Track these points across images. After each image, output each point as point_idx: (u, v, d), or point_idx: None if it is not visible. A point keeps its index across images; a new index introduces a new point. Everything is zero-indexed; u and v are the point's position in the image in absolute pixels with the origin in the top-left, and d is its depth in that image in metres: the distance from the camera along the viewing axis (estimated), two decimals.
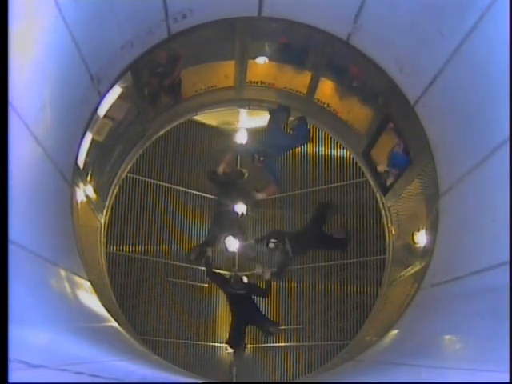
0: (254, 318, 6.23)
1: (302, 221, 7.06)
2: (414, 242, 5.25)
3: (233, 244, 6.90)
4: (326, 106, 6.23)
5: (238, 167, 7.41)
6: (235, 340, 6.22)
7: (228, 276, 6.50)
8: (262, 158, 6.16)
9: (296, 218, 7.18)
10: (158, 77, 5.49)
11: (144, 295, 6.78)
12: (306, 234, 6.54)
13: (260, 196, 6.68)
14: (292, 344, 6.95)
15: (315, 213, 6.72)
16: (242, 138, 7.22)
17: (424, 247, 4.85)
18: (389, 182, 5.87)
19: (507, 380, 1.87)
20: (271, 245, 6.37)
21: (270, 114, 6.36)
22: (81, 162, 4.40)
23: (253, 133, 7.28)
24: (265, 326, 6.15)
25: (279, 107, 6.34)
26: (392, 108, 5.14)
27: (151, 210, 6.96)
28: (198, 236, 7.05)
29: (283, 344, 6.97)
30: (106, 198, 5.93)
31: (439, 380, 2.75)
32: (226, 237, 6.73)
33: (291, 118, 6.42)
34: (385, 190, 6.01)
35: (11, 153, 2.26)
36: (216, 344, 7.02)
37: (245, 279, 6.40)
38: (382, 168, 5.94)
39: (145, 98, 5.56)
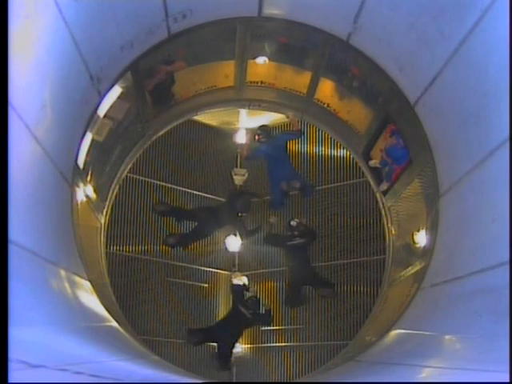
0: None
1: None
2: (414, 242, 5.24)
3: (233, 244, 6.90)
4: (325, 106, 6.23)
5: (238, 167, 7.43)
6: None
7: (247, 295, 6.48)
8: (263, 139, 6.61)
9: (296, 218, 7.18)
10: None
11: (144, 295, 6.78)
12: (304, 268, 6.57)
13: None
14: (292, 344, 6.95)
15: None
16: (241, 137, 7.24)
17: (424, 247, 4.85)
18: (387, 179, 5.87)
19: (507, 380, 1.87)
20: (293, 223, 6.38)
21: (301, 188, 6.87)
22: (81, 162, 4.39)
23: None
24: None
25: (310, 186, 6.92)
26: (392, 108, 5.14)
27: (151, 209, 6.97)
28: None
29: (283, 344, 6.97)
30: (106, 198, 5.92)
31: (439, 380, 2.76)
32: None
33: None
34: (385, 190, 6.01)
35: (11, 153, 2.26)
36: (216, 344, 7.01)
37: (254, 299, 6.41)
38: (380, 164, 5.94)
39: (145, 97, 5.56)
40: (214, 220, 6.50)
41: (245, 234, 6.67)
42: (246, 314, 6.14)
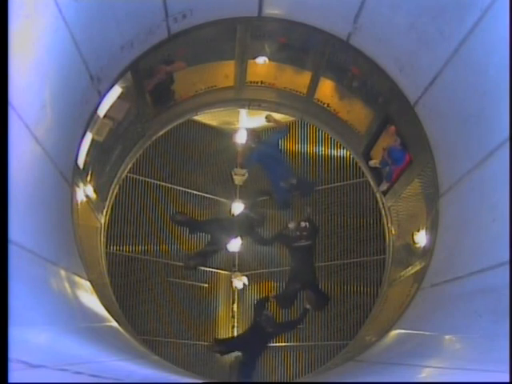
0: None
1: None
2: (414, 242, 5.25)
3: (233, 244, 6.90)
4: (326, 106, 6.23)
5: (238, 167, 7.43)
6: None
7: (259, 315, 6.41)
8: (253, 145, 6.74)
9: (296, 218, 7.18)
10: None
11: (144, 295, 6.78)
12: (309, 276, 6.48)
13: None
14: (292, 344, 6.96)
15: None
16: (241, 137, 7.24)
17: (424, 247, 4.85)
18: (387, 179, 5.87)
19: (507, 380, 1.87)
20: (303, 224, 6.24)
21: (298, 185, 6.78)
22: (81, 162, 4.40)
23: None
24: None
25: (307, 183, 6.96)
26: (392, 108, 5.14)
27: (151, 210, 6.97)
28: (197, 236, 7.04)
29: (283, 344, 6.97)
30: (106, 198, 5.92)
31: (439, 380, 2.76)
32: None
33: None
34: (385, 190, 6.01)
35: (11, 153, 2.26)
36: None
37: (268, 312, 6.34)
38: (380, 164, 5.94)
39: (145, 98, 5.56)
40: (227, 233, 6.48)
41: (262, 243, 6.65)
42: (265, 329, 6.09)
